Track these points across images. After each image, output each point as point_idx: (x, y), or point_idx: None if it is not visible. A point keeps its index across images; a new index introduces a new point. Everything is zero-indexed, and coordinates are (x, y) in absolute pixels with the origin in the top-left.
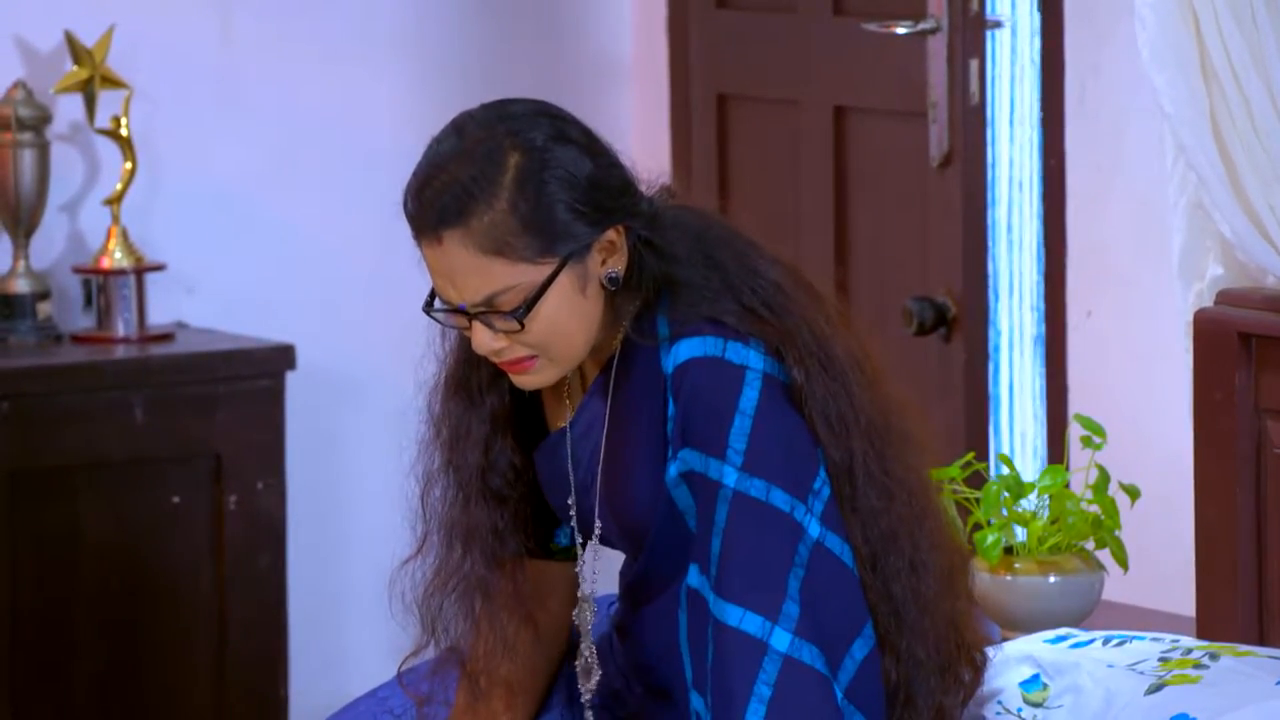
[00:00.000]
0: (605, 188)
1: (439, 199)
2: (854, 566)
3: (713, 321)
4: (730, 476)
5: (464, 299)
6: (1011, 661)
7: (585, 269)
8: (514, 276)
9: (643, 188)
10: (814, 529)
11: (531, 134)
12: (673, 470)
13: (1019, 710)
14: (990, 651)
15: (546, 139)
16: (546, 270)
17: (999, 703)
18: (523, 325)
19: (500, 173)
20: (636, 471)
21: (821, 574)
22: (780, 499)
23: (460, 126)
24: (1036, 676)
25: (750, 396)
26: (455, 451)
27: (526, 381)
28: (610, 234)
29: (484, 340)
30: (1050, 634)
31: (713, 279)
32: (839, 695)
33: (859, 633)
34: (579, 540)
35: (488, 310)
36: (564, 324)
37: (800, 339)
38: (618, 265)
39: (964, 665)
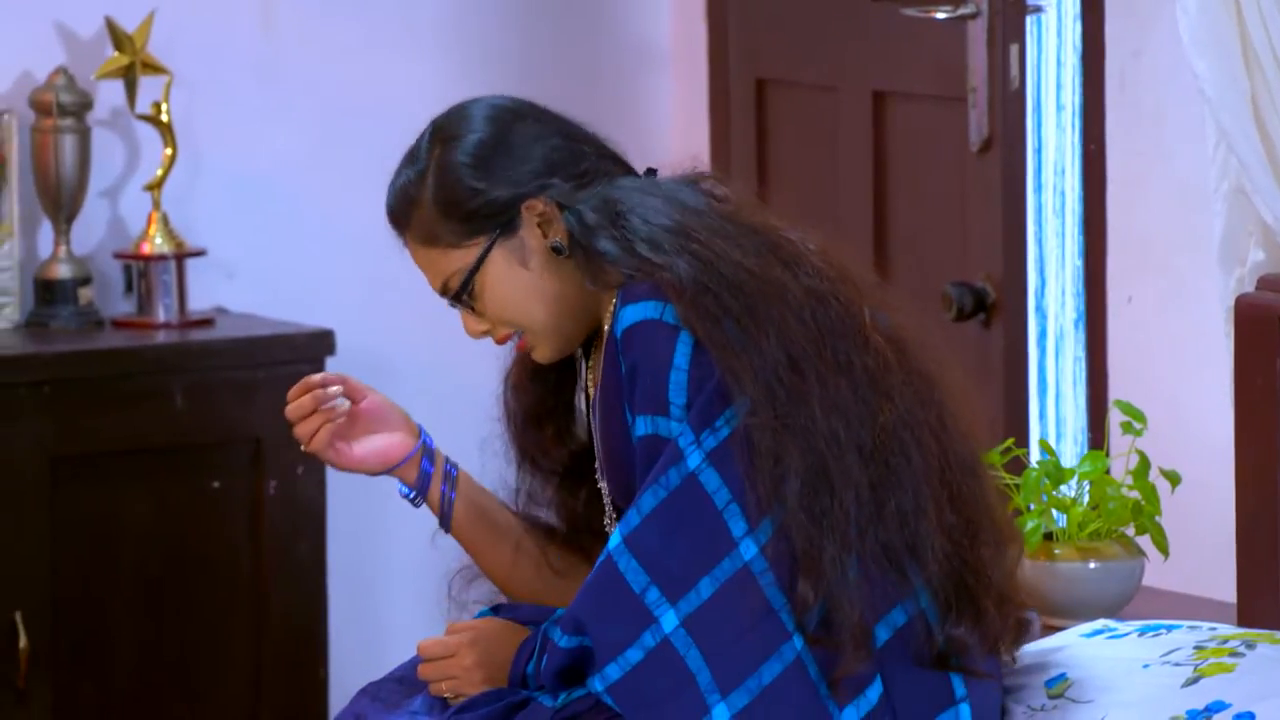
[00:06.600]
0: (515, 166)
1: (392, 207)
2: (727, 506)
3: (655, 285)
4: (686, 436)
5: (434, 289)
6: (1041, 664)
7: (521, 242)
8: (453, 262)
9: (610, 165)
10: (694, 460)
11: (451, 126)
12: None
13: (1042, 706)
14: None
15: (463, 127)
16: (476, 251)
17: (1026, 703)
18: (472, 306)
19: (424, 171)
20: (620, 437)
21: (683, 502)
22: (675, 429)
23: (419, 133)
24: (1062, 675)
25: (684, 352)
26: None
27: (533, 357)
28: (538, 205)
29: (468, 325)
30: (1087, 628)
31: (616, 235)
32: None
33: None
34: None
35: (452, 298)
36: (512, 298)
37: (682, 276)
38: (557, 235)
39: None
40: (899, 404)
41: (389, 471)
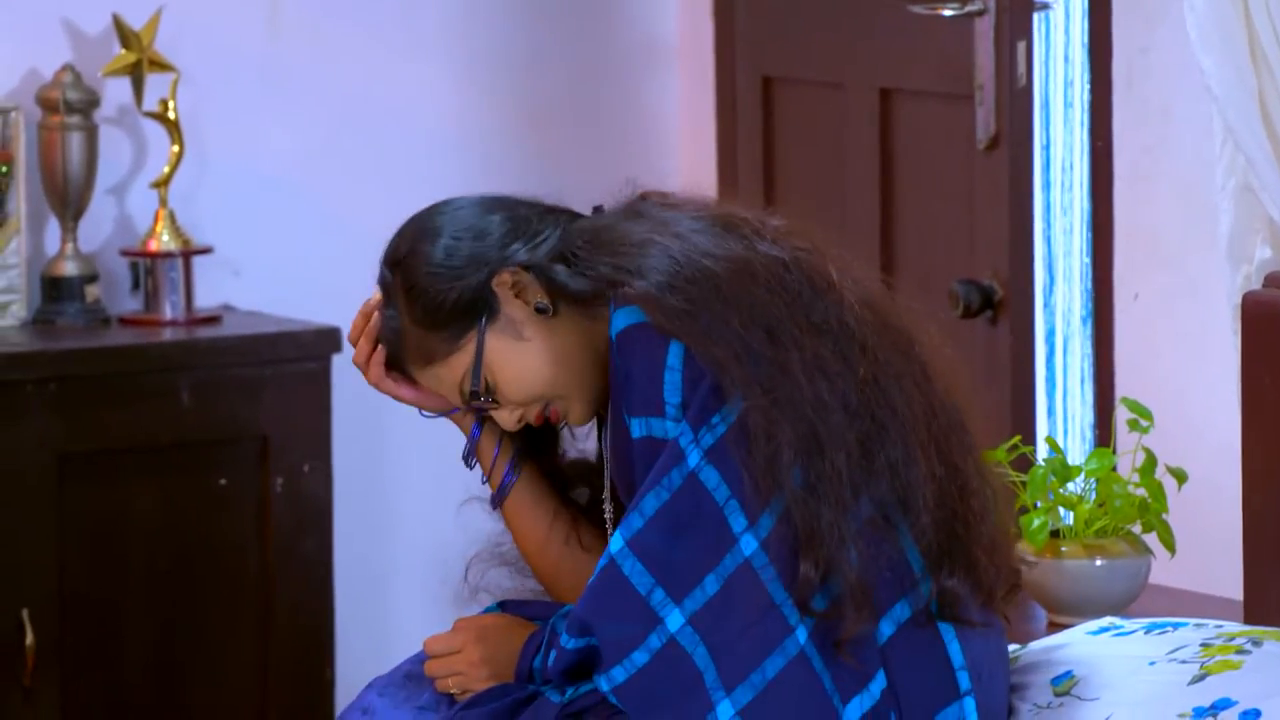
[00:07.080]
0: (472, 253)
1: (389, 353)
2: (728, 509)
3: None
4: (685, 435)
5: (459, 405)
6: (1047, 661)
7: (508, 318)
8: (458, 368)
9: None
10: (693, 458)
11: (400, 250)
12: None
13: (1048, 704)
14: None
15: (411, 245)
16: (472, 346)
17: (1032, 701)
18: (495, 399)
19: (395, 301)
20: (629, 442)
21: (685, 502)
22: (671, 429)
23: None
24: (1069, 673)
25: (676, 352)
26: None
27: (570, 422)
28: (506, 277)
29: (504, 420)
30: (1093, 625)
31: (582, 269)
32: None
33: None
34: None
35: (474, 400)
36: (525, 373)
37: (648, 282)
38: (537, 296)
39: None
40: (878, 356)
41: (448, 414)
